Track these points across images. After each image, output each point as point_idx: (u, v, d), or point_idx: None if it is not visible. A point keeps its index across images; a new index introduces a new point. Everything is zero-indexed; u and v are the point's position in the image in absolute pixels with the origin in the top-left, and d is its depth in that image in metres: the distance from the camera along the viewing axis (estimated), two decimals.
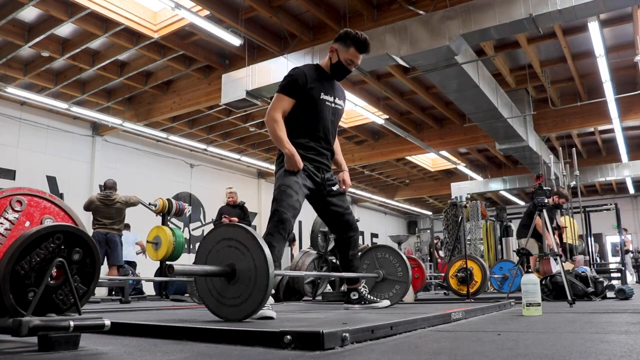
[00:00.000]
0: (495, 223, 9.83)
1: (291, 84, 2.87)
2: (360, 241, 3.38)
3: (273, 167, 13.61)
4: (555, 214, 6.87)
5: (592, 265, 8.44)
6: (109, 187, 6.86)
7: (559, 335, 1.65)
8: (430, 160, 15.18)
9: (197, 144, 11.85)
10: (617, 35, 7.99)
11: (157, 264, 7.07)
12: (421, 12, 6.51)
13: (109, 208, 6.67)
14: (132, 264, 8.90)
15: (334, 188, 3.05)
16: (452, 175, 16.43)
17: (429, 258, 12.24)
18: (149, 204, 7.14)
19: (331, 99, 3.01)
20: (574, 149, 9.00)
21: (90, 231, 6.46)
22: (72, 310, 1.48)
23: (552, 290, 4.46)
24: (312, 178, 2.89)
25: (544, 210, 4.52)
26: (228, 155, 12.79)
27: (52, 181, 9.81)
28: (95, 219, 6.67)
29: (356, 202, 18.42)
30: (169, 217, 7.17)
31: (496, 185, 15.14)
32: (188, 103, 9.33)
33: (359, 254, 3.38)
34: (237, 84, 7.66)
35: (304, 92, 2.88)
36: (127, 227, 8.91)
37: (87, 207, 6.71)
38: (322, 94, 2.95)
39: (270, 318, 2.34)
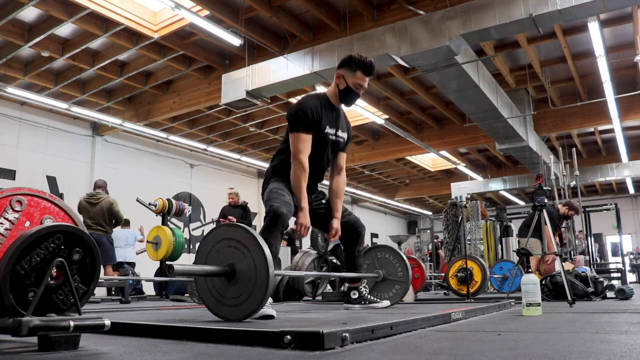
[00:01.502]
0: (495, 223, 9.83)
1: (307, 120, 2.79)
2: None
3: None
4: (561, 223, 6.85)
5: (592, 265, 8.44)
6: (97, 186, 6.82)
7: (559, 335, 1.65)
8: (430, 160, 15.18)
9: (197, 144, 11.86)
10: (617, 35, 7.99)
11: (157, 264, 7.07)
12: (421, 12, 6.51)
13: (93, 207, 6.57)
14: (131, 264, 8.89)
15: (323, 201, 3.05)
16: (452, 175, 16.43)
17: (429, 258, 12.23)
18: (149, 204, 7.13)
19: (333, 131, 2.94)
20: (574, 149, 9.00)
21: None
22: (72, 310, 1.48)
23: (552, 290, 4.46)
24: None
25: (544, 211, 4.52)
26: (228, 155, 12.80)
27: (52, 181, 9.81)
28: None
29: (356, 202, 18.43)
30: (169, 217, 7.17)
31: (496, 185, 15.15)
32: (188, 103, 9.34)
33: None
34: (237, 84, 7.66)
35: (314, 127, 2.83)
36: (127, 223, 8.89)
37: (79, 211, 6.66)
38: (327, 127, 2.89)
39: (271, 317, 2.34)
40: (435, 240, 12.10)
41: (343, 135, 3.03)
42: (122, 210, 6.79)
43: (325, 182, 3.19)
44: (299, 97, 9.60)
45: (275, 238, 2.63)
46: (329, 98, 2.97)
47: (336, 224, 2.99)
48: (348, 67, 2.91)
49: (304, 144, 2.77)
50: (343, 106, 3.05)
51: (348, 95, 2.93)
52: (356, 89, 2.91)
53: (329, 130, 2.91)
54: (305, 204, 2.74)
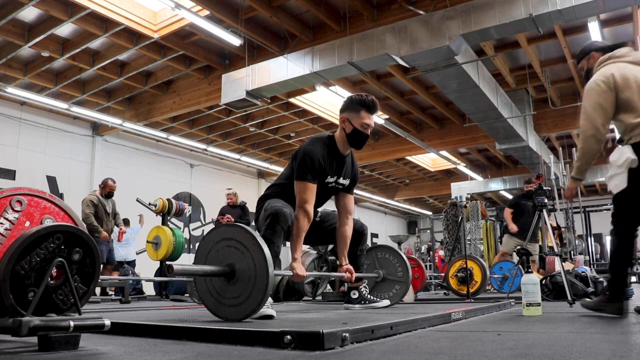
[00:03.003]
0: (495, 223, 9.86)
1: (314, 170, 2.76)
2: None
3: (273, 167, 13.68)
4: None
5: (592, 265, 8.45)
6: None
7: (559, 335, 1.65)
8: (430, 160, 15.18)
9: (197, 144, 11.85)
10: (617, 35, 7.99)
11: (157, 264, 7.07)
12: (421, 12, 6.51)
13: None
14: (131, 263, 8.89)
15: (317, 219, 3.05)
16: (452, 175, 16.43)
17: (428, 258, 12.27)
18: (149, 204, 7.14)
19: (334, 179, 2.92)
20: (574, 149, 9.00)
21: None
22: (72, 310, 1.48)
23: (552, 290, 4.46)
24: None
25: (544, 210, 4.52)
26: (228, 155, 12.79)
27: (52, 181, 9.81)
28: None
29: (356, 202, 18.42)
30: (169, 217, 7.18)
31: (496, 185, 15.14)
32: (188, 103, 9.33)
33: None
34: (237, 84, 7.66)
35: (319, 177, 2.82)
36: (127, 223, 8.91)
37: None
38: (328, 177, 2.88)
39: (271, 317, 2.34)
40: (429, 243, 12.13)
41: (344, 182, 2.99)
42: (122, 210, 6.77)
43: None
44: (299, 97, 9.68)
45: (279, 237, 2.63)
46: (336, 144, 2.91)
47: (345, 268, 3.01)
48: (351, 109, 2.87)
49: (311, 192, 2.74)
50: (353, 150, 3.00)
51: (356, 137, 2.87)
52: (363, 129, 2.85)
53: (329, 179, 2.89)
54: (299, 255, 2.72)
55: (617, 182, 2.34)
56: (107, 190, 6.71)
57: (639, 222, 2.43)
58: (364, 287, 3.25)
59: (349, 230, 3.04)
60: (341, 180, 2.97)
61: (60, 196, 9.27)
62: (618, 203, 2.42)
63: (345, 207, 3.05)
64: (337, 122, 3.01)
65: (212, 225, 11.10)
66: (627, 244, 2.42)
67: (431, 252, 12.16)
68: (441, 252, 12.00)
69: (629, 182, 2.30)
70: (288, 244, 2.84)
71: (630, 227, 2.41)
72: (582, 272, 4.59)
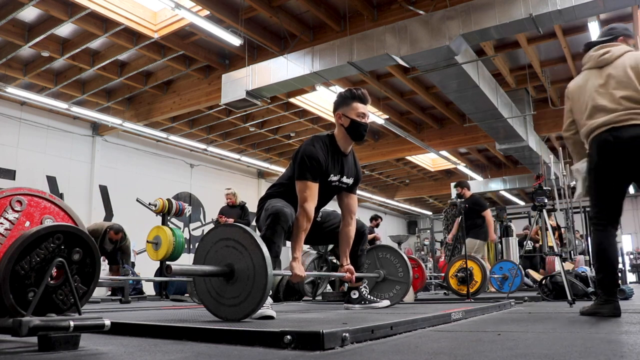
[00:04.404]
0: (495, 223, 9.83)
1: (314, 170, 2.76)
2: None
3: (273, 167, 13.68)
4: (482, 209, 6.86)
5: (592, 265, 8.43)
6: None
7: (559, 335, 1.65)
8: (430, 160, 15.18)
9: (197, 144, 11.86)
10: None
11: (157, 264, 7.07)
12: (421, 12, 6.51)
13: None
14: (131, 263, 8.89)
15: (318, 219, 3.05)
16: (452, 175, 16.43)
17: (430, 258, 12.27)
18: (149, 204, 7.14)
19: (337, 177, 2.92)
20: None
21: None
22: (72, 310, 1.48)
23: (552, 290, 4.46)
24: None
25: (544, 210, 4.52)
26: (228, 155, 12.79)
27: (52, 181, 9.81)
28: None
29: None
30: (169, 217, 7.17)
31: (496, 185, 15.13)
32: (188, 103, 9.33)
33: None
34: (237, 84, 7.66)
35: (321, 176, 2.81)
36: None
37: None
38: (331, 175, 2.88)
39: (271, 317, 2.34)
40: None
41: (348, 181, 2.99)
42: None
43: None
44: (299, 97, 9.67)
45: (279, 237, 2.62)
46: (337, 142, 2.92)
47: (346, 268, 3.01)
48: (343, 104, 2.92)
49: (310, 191, 2.74)
50: (354, 145, 3.01)
51: (356, 128, 2.88)
52: (360, 118, 2.88)
53: (332, 178, 2.89)
54: (299, 254, 2.71)
55: (580, 190, 2.61)
56: (108, 237, 6.83)
57: (617, 220, 2.54)
58: (364, 287, 3.25)
59: (352, 230, 3.04)
60: (345, 179, 2.97)
61: (60, 196, 9.27)
62: (591, 205, 2.57)
63: (349, 208, 3.05)
64: None
65: (212, 225, 11.11)
66: (608, 242, 2.48)
67: (436, 253, 12.12)
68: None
69: (588, 185, 2.55)
70: (289, 244, 2.84)
71: (608, 225, 2.51)
72: (582, 272, 4.59)
